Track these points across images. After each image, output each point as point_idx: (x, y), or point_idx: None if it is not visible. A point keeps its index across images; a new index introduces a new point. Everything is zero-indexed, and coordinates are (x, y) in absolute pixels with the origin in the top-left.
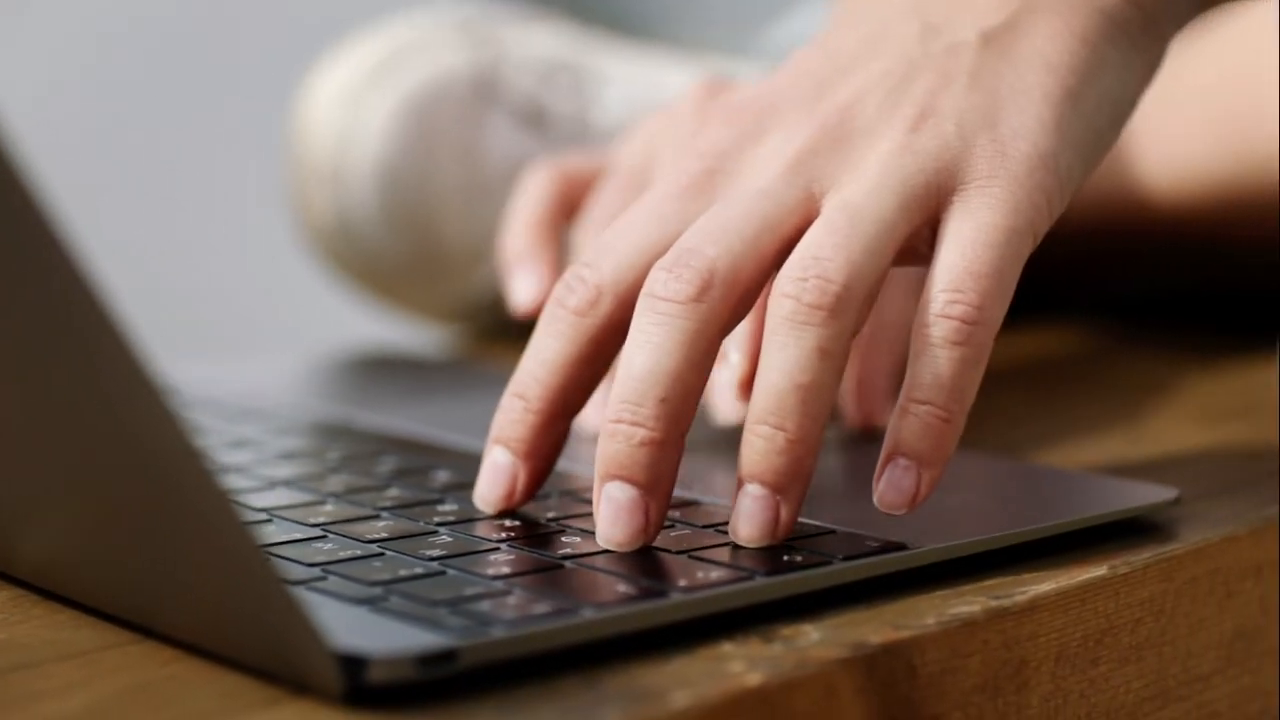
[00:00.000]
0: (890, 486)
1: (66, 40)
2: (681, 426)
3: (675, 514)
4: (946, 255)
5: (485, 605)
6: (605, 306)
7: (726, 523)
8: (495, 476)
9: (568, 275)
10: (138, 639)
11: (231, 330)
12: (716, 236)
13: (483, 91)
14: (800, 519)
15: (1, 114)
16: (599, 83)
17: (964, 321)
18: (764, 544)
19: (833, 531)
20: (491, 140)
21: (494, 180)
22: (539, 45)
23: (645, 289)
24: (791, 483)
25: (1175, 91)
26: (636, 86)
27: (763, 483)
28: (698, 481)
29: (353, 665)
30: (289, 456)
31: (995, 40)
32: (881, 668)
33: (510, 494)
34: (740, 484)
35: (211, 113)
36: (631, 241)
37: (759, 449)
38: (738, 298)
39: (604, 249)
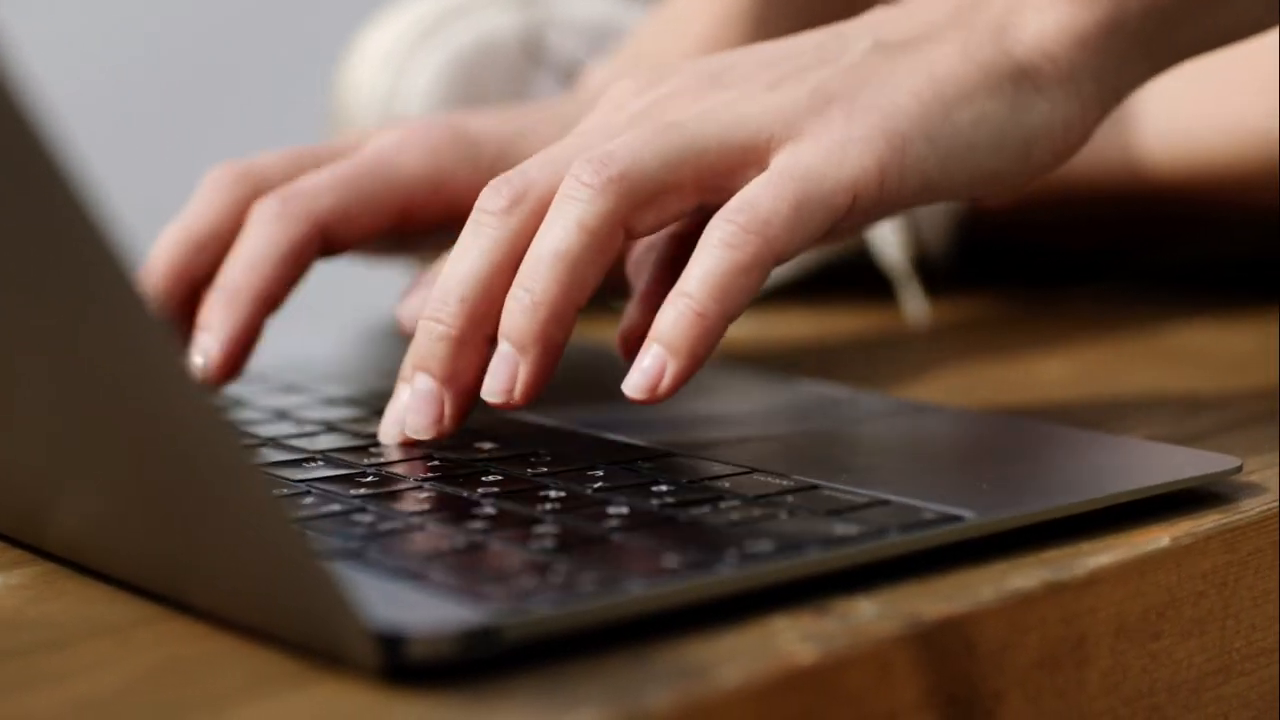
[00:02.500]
0: (636, 369)
1: (101, 7)
2: (481, 328)
3: (725, 485)
4: (757, 177)
5: (527, 580)
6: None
7: (778, 495)
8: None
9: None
10: (171, 614)
11: None
12: (544, 163)
13: (530, 53)
14: (854, 489)
15: (36, 91)
16: None
17: (743, 229)
18: (501, 401)
19: (887, 502)
20: None
21: None
22: (586, 8)
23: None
24: (533, 343)
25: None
26: None
27: (509, 340)
28: (748, 453)
29: (390, 642)
30: (330, 429)
31: (887, 48)
32: (938, 644)
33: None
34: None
35: (255, 76)
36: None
37: (510, 309)
38: None
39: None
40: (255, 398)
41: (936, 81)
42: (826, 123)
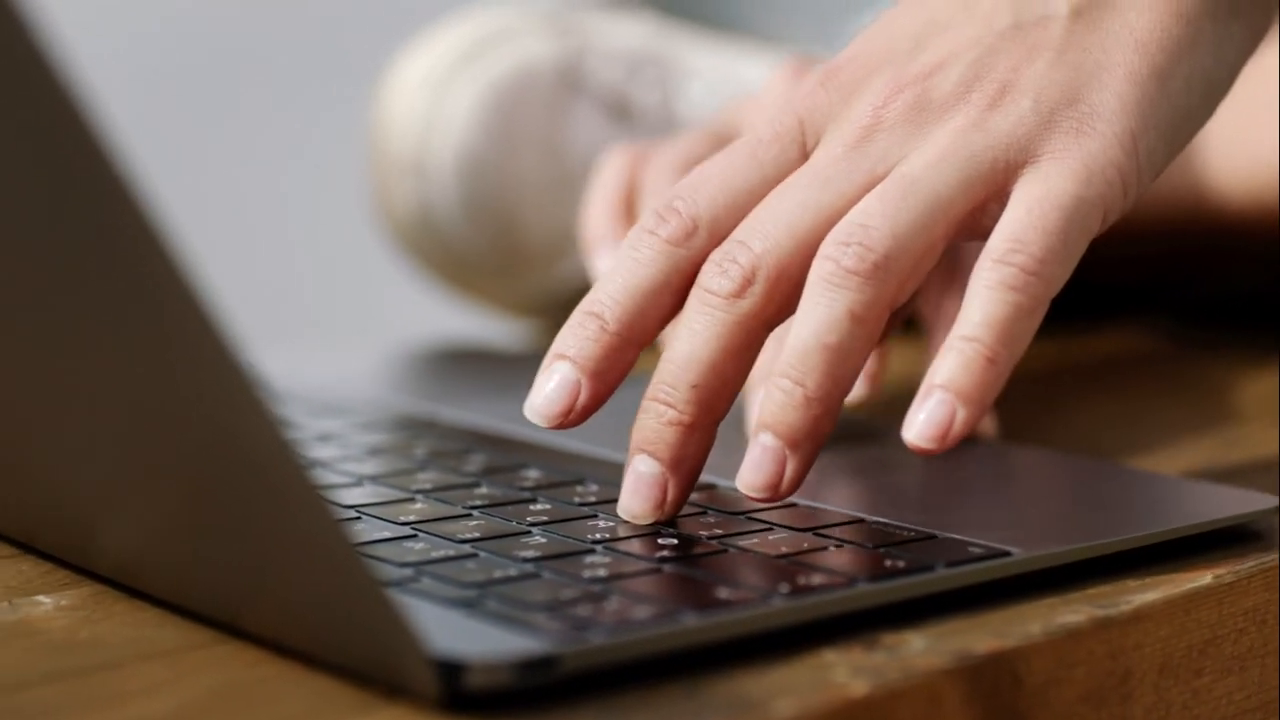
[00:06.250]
0: (927, 420)
1: (145, 24)
2: (713, 413)
3: (774, 518)
4: (1013, 211)
5: (583, 609)
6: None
7: (825, 528)
8: (561, 391)
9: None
10: (223, 639)
11: (313, 323)
12: (767, 230)
13: (568, 81)
14: (903, 524)
15: (103, 116)
16: (684, 75)
17: (1023, 270)
18: (766, 495)
19: (934, 537)
20: (576, 131)
21: (577, 172)
22: (624, 37)
23: (697, 280)
24: (804, 440)
25: (1263, 92)
26: (721, 79)
27: (776, 434)
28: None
29: (450, 670)
30: (375, 452)
31: (1086, 13)
32: (986, 678)
33: (568, 410)
34: (755, 434)
35: (294, 102)
36: (723, 184)
37: (777, 401)
38: (784, 292)
39: (696, 188)
40: (296, 419)
41: (1144, 50)
42: (1060, 138)
